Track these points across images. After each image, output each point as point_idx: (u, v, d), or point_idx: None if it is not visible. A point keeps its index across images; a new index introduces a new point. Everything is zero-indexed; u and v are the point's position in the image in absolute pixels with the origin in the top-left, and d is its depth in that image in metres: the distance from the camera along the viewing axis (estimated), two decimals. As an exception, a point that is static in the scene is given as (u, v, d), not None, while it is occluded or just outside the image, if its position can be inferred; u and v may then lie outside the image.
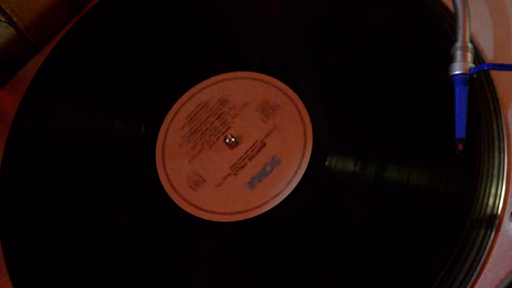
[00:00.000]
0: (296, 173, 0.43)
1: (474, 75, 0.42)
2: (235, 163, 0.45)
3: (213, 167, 0.45)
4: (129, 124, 0.48)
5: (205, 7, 0.54)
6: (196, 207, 0.44)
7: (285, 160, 0.44)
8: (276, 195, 0.43)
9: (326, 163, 0.43)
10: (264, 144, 0.45)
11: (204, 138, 0.47)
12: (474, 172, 0.40)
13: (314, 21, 0.51)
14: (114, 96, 0.51)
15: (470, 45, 0.43)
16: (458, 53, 0.43)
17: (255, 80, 0.48)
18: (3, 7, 0.54)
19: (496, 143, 0.42)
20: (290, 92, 0.47)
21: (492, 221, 0.40)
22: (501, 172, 0.41)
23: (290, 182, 0.43)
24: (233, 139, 0.45)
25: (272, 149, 0.45)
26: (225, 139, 0.45)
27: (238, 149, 0.45)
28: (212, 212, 0.43)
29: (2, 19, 0.54)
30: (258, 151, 0.45)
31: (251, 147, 0.45)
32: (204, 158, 0.46)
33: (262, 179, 0.44)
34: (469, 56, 0.43)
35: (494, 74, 0.45)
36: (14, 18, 0.55)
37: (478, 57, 0.46)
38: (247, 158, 0.45)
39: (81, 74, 0.53)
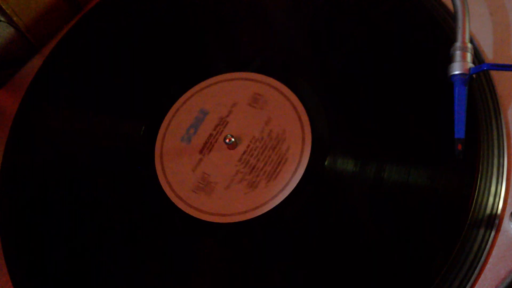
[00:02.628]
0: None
1: (474, 75, 0.42)
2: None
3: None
4: (129, 124, 0.48)
5: (204, 7, 0.54)
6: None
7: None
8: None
9: (326, 163, 0.43)
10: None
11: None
12: (474, 172, 0.40)
13: (313, 21, 0.51)
14: (114, 96, 0.51)
15: (469, 45, 0.43)
16: (458, 53, 0.43)
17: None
18: (3, 7, 0.54)
19: (496, 143, 0.42)
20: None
21: (492, 221, 0.40)
22: (501, 172, 0.41)
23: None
24: (232, 139, 0.45)
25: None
26: (224, 139, 0.45)
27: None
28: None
29: (2, 19, 0.54)
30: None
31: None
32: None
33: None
34: (469, 56, 0.43)
35: (494, 74, 0.45)
36: (14, 18, 0.55)
37: (478, 57, 0.46)
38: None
39: (81, 74, 0.53)
